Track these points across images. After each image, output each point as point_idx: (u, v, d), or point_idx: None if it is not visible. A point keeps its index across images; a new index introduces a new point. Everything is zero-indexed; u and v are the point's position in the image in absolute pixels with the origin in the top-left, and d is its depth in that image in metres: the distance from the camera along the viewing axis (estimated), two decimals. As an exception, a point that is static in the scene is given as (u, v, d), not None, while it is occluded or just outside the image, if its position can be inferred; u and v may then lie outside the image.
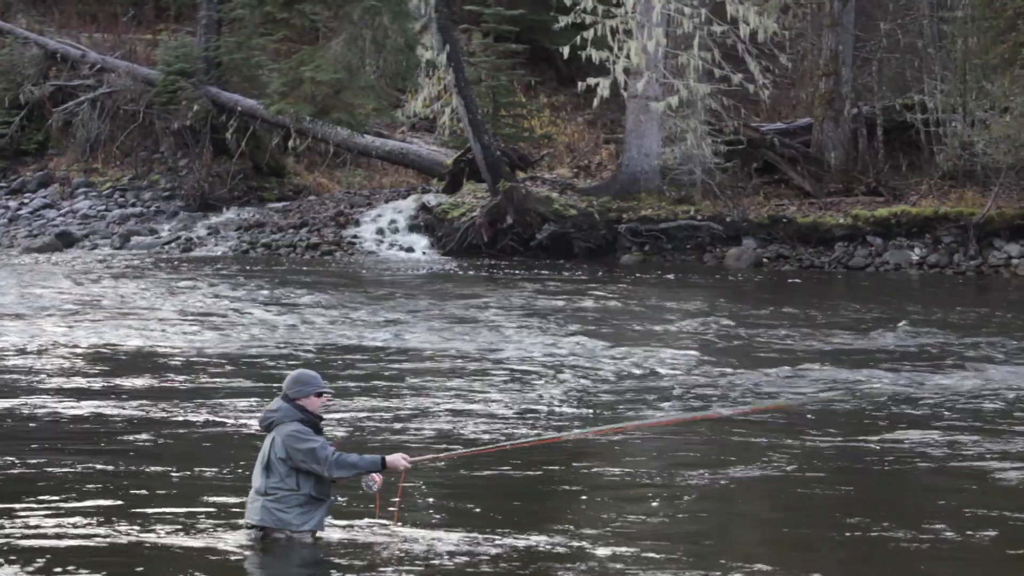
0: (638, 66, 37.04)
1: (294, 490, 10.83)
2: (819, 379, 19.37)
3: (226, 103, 42.03)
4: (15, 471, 13.48)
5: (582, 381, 19.11)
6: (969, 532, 11.74)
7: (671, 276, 33.32)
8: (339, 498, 11.58)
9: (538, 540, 11.19)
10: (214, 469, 13.70)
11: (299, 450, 10.77)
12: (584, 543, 11.17)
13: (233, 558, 10.76)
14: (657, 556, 10.85)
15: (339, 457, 10.82)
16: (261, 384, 18.35)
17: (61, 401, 17.02)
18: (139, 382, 18.43)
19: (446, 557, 10.73)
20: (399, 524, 11.35)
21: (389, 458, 11.01)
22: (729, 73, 37.27)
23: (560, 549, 11.01)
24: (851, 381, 19.16)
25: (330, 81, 36.40)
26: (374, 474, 11.02)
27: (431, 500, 12.54)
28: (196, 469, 13.70)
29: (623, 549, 10.99)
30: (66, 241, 38.44)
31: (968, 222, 35.19)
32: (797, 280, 33.51)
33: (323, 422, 11.15)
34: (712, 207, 37.06)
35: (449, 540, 11.14)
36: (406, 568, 10.48)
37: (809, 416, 16.81)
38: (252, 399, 17.19)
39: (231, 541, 11.11)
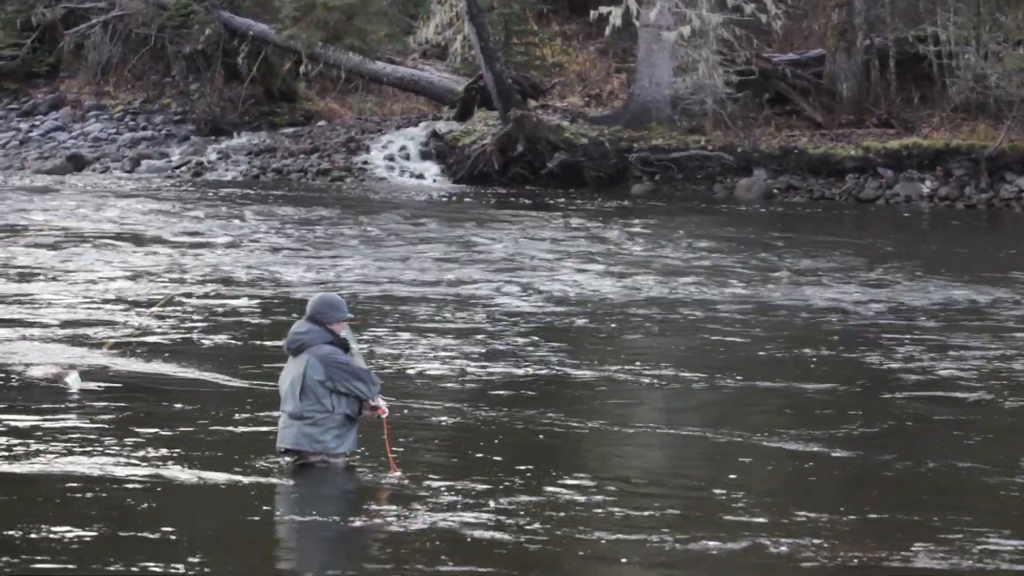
0: (651, -5, 36.88)
1: (330, 412, 10.93)
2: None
3: (238, 28, 41.95)
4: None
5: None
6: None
7: (681, 206, 33.34)
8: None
9: (544, 491, 10.88)
10: (229, 398, 13.84)
11: (343, 370, 10.88)
12: (589, 493, 10.93)
13: (258, 489, 10.78)
14: (665, 513, 10.60)
15: (371, 370, 11.13)
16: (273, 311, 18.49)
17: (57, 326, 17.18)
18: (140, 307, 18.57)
19: (450, 507, 10.38)
20: (398, 472, 11.00)
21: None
22: (741, 3, 37.08)
23: (564, 500, 10.67)
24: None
25: (342, 6, 36.32)
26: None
27: (431, 449, 12.29)
28: (214, 397, 13.85)
29: (627, 500, 10.80)
30: (77, 164, 38.46)
31: (980, 155, 35.15)
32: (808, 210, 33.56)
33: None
34: (723, 137, 37.04)
35: (453, 489, 10.77)
36: (412, 519, 10.19)
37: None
38: (268, 323, 17.33)
39: (260, 468, 11.16)
